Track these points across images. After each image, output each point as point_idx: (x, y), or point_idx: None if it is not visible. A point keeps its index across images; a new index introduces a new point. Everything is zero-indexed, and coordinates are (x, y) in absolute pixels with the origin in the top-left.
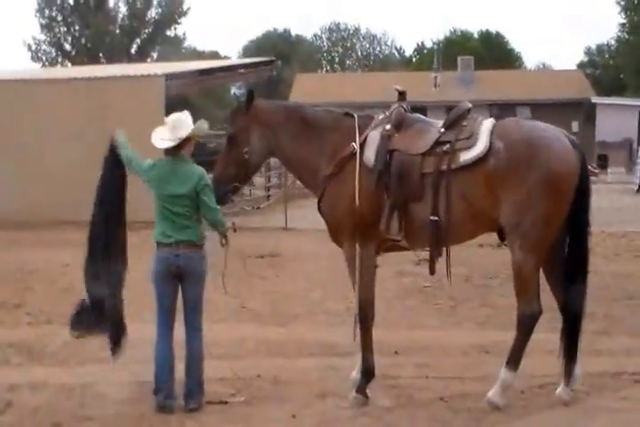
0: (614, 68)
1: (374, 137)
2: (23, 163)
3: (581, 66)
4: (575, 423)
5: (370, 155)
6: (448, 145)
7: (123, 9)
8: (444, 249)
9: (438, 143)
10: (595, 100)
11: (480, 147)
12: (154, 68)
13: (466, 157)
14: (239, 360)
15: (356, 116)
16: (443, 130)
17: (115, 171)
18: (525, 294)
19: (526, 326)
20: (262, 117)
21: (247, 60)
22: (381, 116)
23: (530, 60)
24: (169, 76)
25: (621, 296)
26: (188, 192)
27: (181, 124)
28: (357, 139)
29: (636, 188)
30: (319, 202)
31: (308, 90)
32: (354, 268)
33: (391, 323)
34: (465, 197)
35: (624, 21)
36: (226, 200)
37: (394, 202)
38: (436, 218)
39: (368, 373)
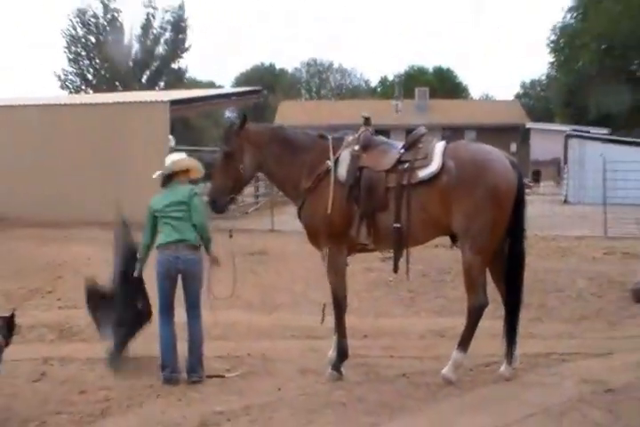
0: (545, 99)
1: (345, 156)
2: (55, 173)
3: (518, 97)
4: (515, 395)
5: (342, 171)
6: (408, 164)
7: (135, 46)
8: (406, 250)
9: (399, 162)
10: (529, 125)
11: (434, 165)
12: (161, 95)
13: (422, 173)
14: (233, 342)
15: (329, 137)
16: (403, 151)
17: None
18: (474, 288)
19: (475, 314)
20: (253, 138)
21: (238, 89)
22: (351, 138)
23: (475, 92)
24: (173, 102)
25: (552, 289)
26: (183, 198)
27: (178, 163)
28: (332, 157)
29: (563, 198)
30: (299, 211)
31: (290, 114)
32: (328, 267)
33: (361, 311)
34: (423, 207)
35: (552, 60)
36: (224, 210)
37: (363, 211)
38: (399, 225)
39: (342, 353)
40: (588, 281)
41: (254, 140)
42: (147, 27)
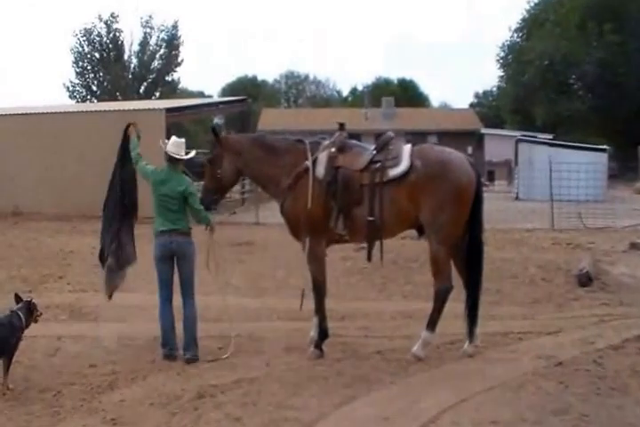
0: (495, 107)
1: (323, 157)
2: (64, 173)
3: (472, 105)
4: (477, 371)
5: (320, 170)
6: (379, 163)
7: (134, 61)
8: (379, 241)
9: (372, 162)
10: (483, 131)
11: (403, 165)
12: (157, 104)
13: (393, 172)
14: (224, 323)
15: (307, 142)
16: (375, 152)
17: (126, 155)
18: (440, 275)
19: (441, 298)
20: (231, 146)
21: (226, 99)
22: (327, 142)
23: (434, 100)
24: (168, 110)
25: (507, 276)
26: (178, 195)
27: (182, 147)
28: (310, 158)
29: (514, 195)
30: (281, 207)
31: (271, 121)
32: (309, 256)
33: (338, 295)
34: (393, 202)
35: (502, 74)
36: (210, 208)
37: (340, 206)
38: (372, 218)
39: (323, 333)
40: (538, 268)
41: (232, 149)
42: (144, 44)
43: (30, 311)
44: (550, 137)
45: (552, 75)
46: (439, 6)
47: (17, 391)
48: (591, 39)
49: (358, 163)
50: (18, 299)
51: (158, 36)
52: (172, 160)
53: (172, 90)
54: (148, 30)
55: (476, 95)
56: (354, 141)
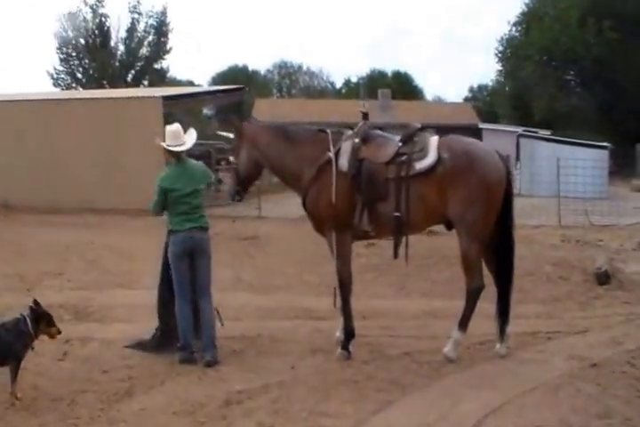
0: (490, 102)
1: (347, 148)
2: (55, 164)
3: (466, 100)
4: (512, 371)
5: (344, 162)
6: (406, 156)
7: (121, 48)
8: (405, 237)
9: (398, 155)
10: (481, 125)
11: (431, 158)
12: (153, 91)
13: (420, 165)
14: (241, 322)
15: (329, 131)
16: (400, 144)
17: None
18: (472, 273)
19: (473, 297)
20: (249, 136)
21: (223, 87)
22: (350, 132)
23: (428, 94)
24: (165, 98)
25: (524, 273)
26: (201, 181)
27: (180, 134)
28: (332, 149)
29: (517, 191)
30: (303, 201)
31: (264, 111)
32: (336, 253)
33: (355, 293)
34: (420, 197)
35: (500, 68)
36: (234, 199)
37: (364, 201)
38: (399, 214)
39: (349, 334)
40: (554, 266)
41: (250, 139)
42: (131, 30)
43: (37, 321)
44: (548, 133)
45: (551, 71)
46: None
47: (26, 401)
48: (590, 36)
49: (383, 155)
50: (36, 304)
51: (146, 23)
52: (173, 154)
53: (161, 78)
54: (136, 16)
55: (471, 89)
56: (378, 131)
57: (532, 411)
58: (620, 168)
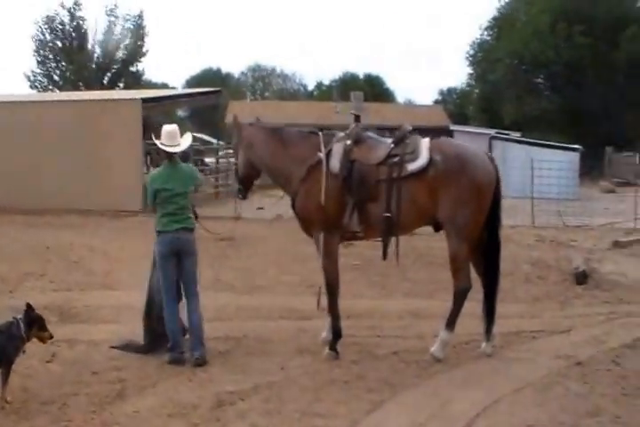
0: (460, 105)
1: (338, 149)
2: (36, 165)
3: (436, 102)
4: (499, 371)
5: (335, 163)
6: (397, 158)
7: (98, 50)
8: (395, 238)
9: (390, 156)
10: (452, 127)
11: (423, 160)
12: (132, 93)
13: (412, 167)
14: (225, 322)
15: (320, 133)
16: (392, 146)
17: None
18: (460, 274)
19: (460, 297)
20: (243, 138)
21: (200, 89)
22: (342, 134)
23: (399, 97)
24: (144, 100)
25: (503, 273)
26: (190, 183)
27: (176, 135)
28: (323, 150)
29: None
30: (292, 201)
31: (239, 114)
32: (323, 253)
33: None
34: (411, 198)
35: (471, 72)
36: (239, 197)
37: (355, 202)
38: (389, 214)
39: (337, 334)
40: (531, 266)
41: (246, 140)
42: (108, 33)
43: (30, 324)
44: (518, 135)
45: (521, 74)
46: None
47: (16, 404)
48: (561, 40)
49: (375, 157)
50: (29, 308)
51: (123, 26)
52: (167, 154)
53: (137, 81)
54: (113, 19)
55: (441, 92)
56: (369, 133)
57: (523, 410)
58: (589, 170)
